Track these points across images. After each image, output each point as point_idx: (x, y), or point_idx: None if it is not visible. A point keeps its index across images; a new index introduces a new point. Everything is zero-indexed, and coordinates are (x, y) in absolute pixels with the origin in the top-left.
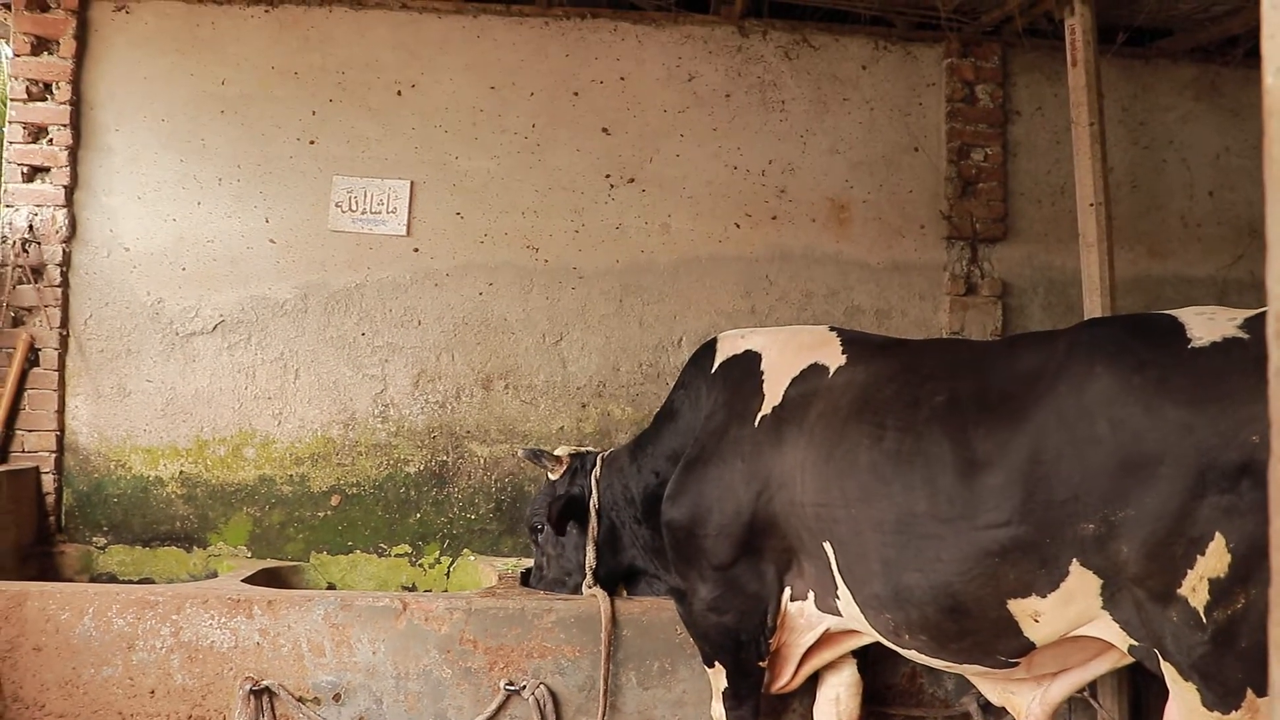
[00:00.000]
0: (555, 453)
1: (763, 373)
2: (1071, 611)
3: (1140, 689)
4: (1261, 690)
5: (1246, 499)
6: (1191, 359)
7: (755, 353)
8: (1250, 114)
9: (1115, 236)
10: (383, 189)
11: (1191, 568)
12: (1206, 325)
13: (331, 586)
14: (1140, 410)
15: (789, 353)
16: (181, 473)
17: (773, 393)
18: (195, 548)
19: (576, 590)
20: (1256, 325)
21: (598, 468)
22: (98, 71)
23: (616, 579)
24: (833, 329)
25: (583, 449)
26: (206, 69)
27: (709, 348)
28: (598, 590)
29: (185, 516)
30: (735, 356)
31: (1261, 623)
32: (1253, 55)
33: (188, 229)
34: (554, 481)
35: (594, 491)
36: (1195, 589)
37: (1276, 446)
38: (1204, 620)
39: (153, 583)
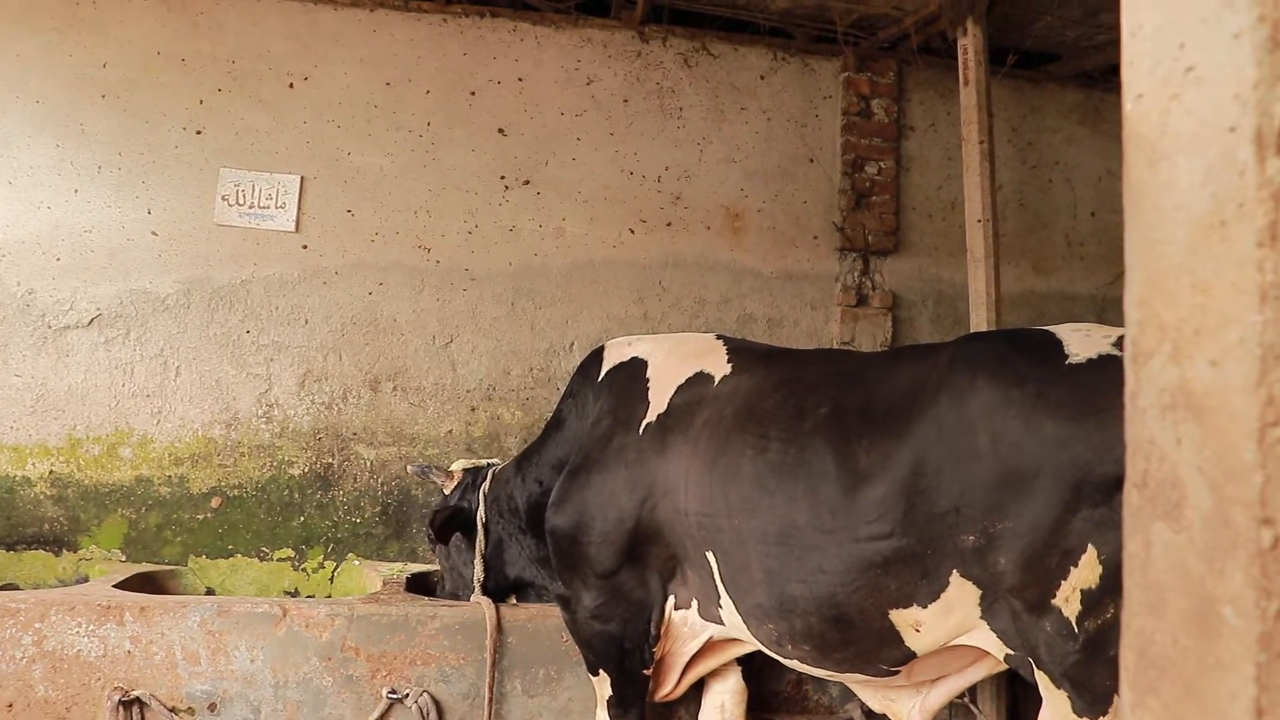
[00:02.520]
0: (450, 468)
1: (648, 380)
2: (951, 621)
3: (1018, 694)
4: None
5: (1119, 512)
6: (1069, 375)
7: (641, 360)
8: None
9: (1002, 253)
10: (271, 183)
11: (1065, 579)
12: (1083, 342)
13: (211, 591)
14: (1019, 424)
15: (675, 360)
16: (51, 472)
17: (658, 400)
18: (65, 551)
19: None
20: None
21: (487, 481)
22: None
23: (506, 591)
24: (719, 337)
25: (479, 463)
26: (86, 50)
27: (596, 356)
28: (483, 598)
29: (55, 518)
30: (621, 364)
31: None
32: None
33: (63, 218)
34: (446, 496)
35: (480, 505)
36: (1068, 600)
37: (1132, 472)
38: (1075, 630)
39: (17, 588)
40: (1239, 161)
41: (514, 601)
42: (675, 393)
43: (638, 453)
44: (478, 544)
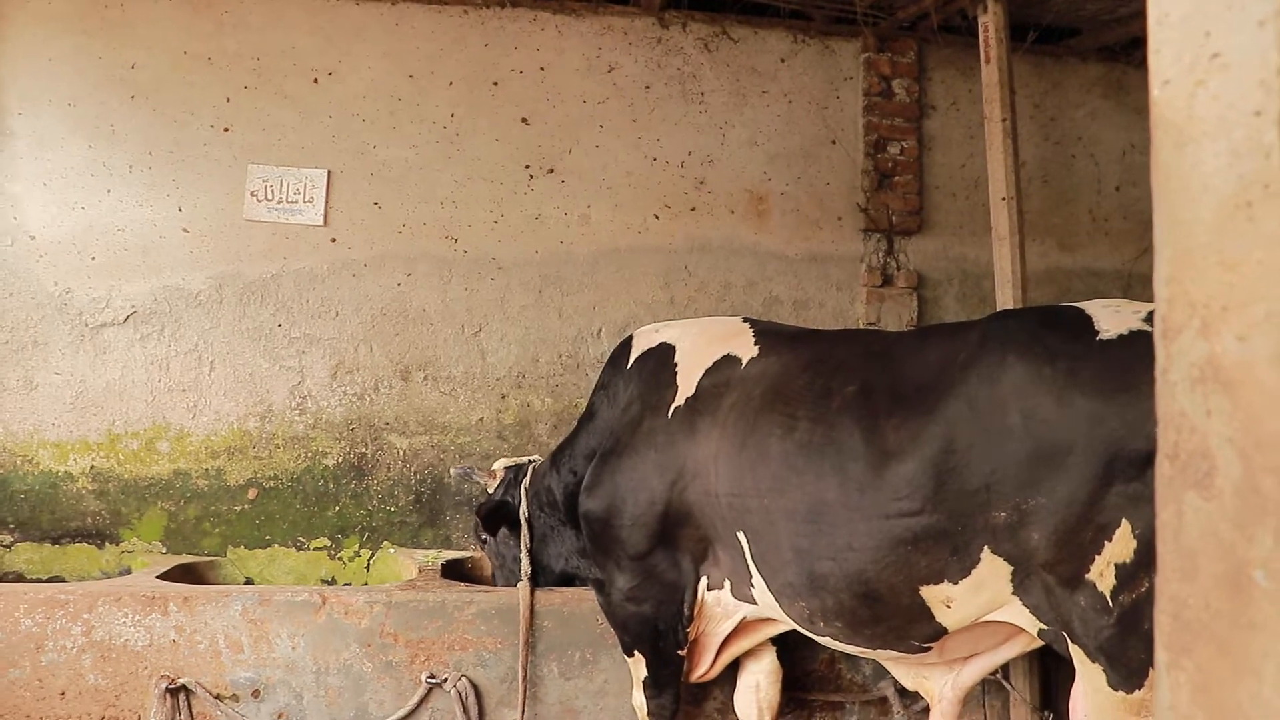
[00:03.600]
0: (493, 467)
1: (676, 364)
2: (983, 597)
3: (1050, 670)
4: None
5: (1152, 486)
6: (1100, 351)
7: (669, 345)
8: None
9: (1027, 230)
10: (299, 178)
11: (1099, 554)
12: (1113, 318)
13: (249, 581)
14: (1051, 401)
15: (702, 344)
16: (92, 467)
17: (686, 384)
18: (107, 544)
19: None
20: None
21: (528, 476)
22: None
23: (554, 584)
24: (746, 320)
25: (520, 461)
26: (115, 52)
27: (625, 345)
28: (522, 583)
29: (97, 512)
30: (650, 350)
31: None
32: None
33: (97, 217)
34: (490, 494)
35: (522, 499)
36: (1102, 574)
37: (1164, 444)
38: (1110, 604)
39: (63, 581)
40: (1264, 144)
41: None
42: (703, 376)
43: (667, 435)
44: (522, 538)
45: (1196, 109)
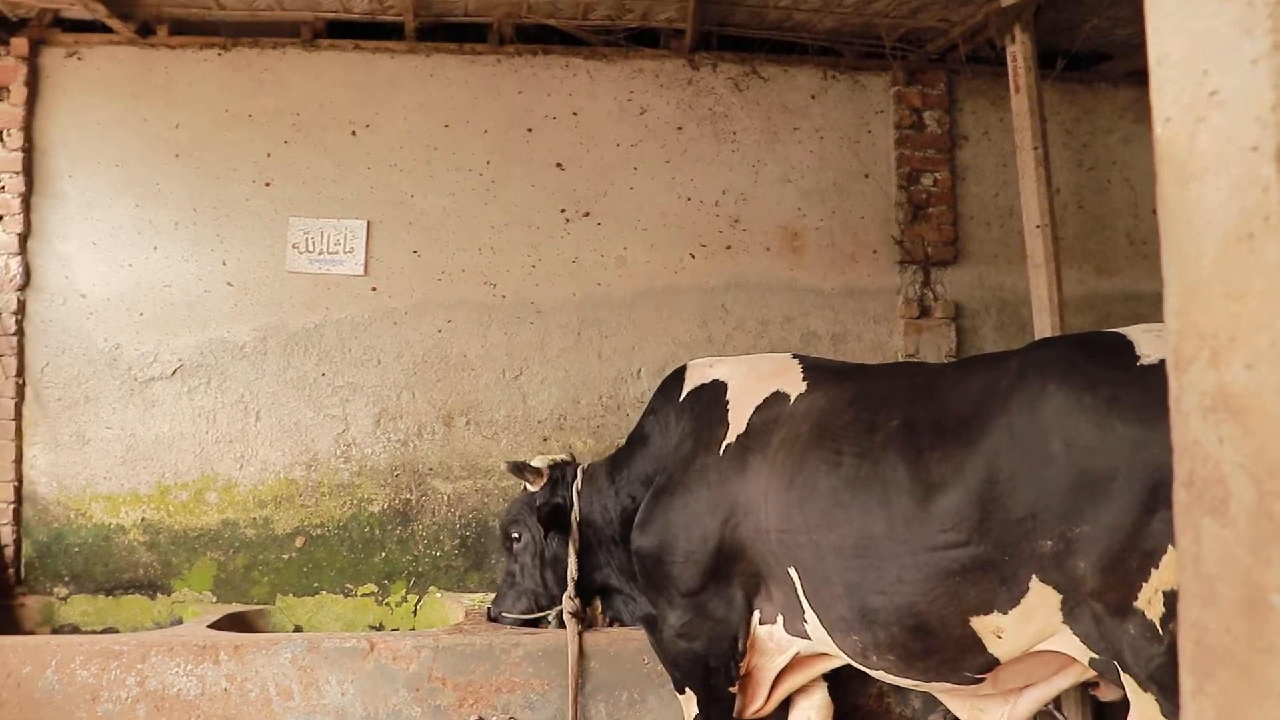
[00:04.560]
0: (534, 463)
1: (728, 401)
2: (1033, 627)
3: (1102, 702)
4: None
5: None
6: (1141, 376)
7: (721, 382)
8: None
9: (1063, 256)
10: (339, 229)
11: (1146, 581)
12: (1154, 343)
13: (298, 629)
14: (1093, 428)
15: (752, 381)
16: (143, 519)
17: (737, 421)
18: (159, 595)
19: (554, 602)
20: None
21: (578, 480)
22: (50, 118)
23: (592, 594)
24: (795, 356)
25: (559, 458)
26: (159, 113)
27: (678, 376)
28: (569, 616)
29: (148, 564)
30: (703, 385)
31: None
32: None
33: (144, 274)
34: (533, 493)
35: (575, 503)
36: (1150, 602)
37: (1179, 472)
38: (1160, 632)
39: (117, 632)
40: (1262, 178)
41: (598, 605)
42: (754, 413)
43: (719, 473)
44: (571, 540)
45: (1197, 146)
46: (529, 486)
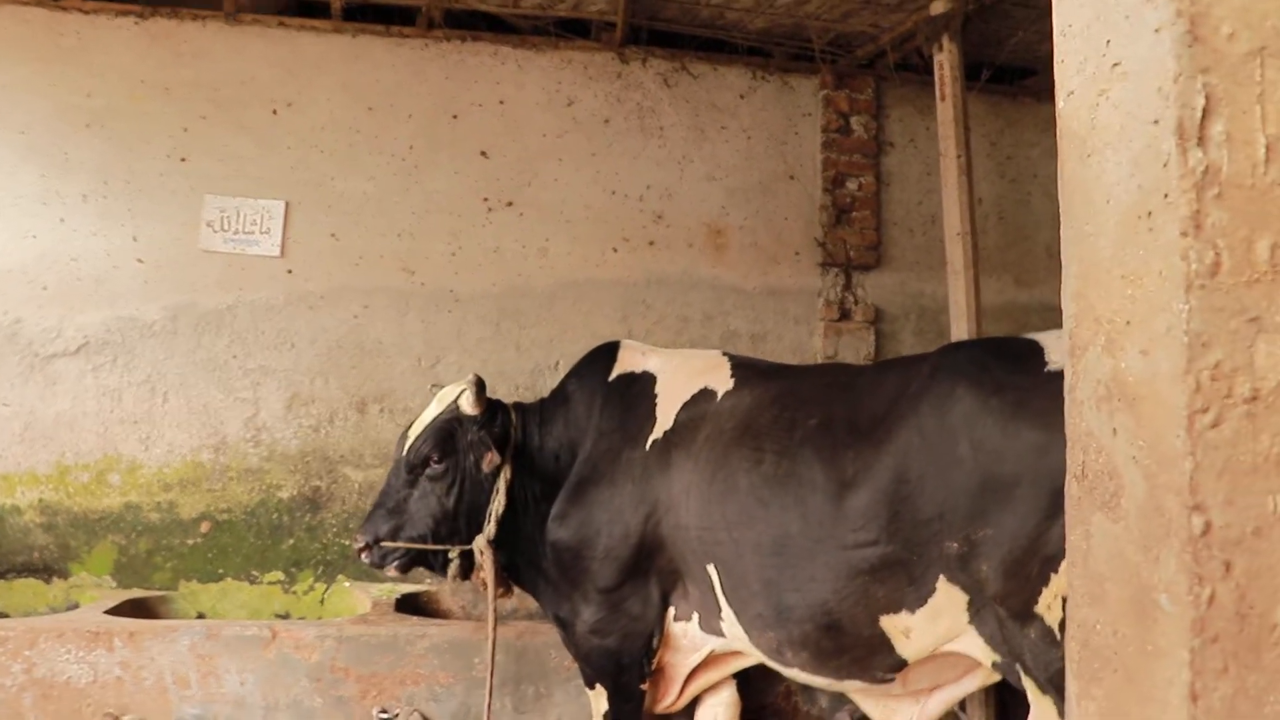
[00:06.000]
0: (440, 393)
1: (656, 395)
2: (940, 627)
3: (1007, 702)
4: None
5: None
6: (1048, 382)
7: (651, 374)
8: None
9: (983, 265)
10: (256, 209)
11: (1046, 586)
12: (1065, 348)
13: (202, 616)
14: (998, 432)
15: (681, 377)
16: (41, 500)
17: (664, 417)
18: (55, 579)
19: (466, 540)
20: None
21: (513, 414)
22: None
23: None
24: (725, 354)
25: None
26: (70, 80)
27: (610, 352)
28: (483, 550)
29: (44, 546)
30: (633, 374)
31: None
32: None
33: (49, 246)
34: (470, 416)
35: (513, 438)
36: (1050, 607)
37: (1072, 464)
38: (1059, 637)
39: (6, 617)
40: (1162, 153)
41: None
42: (680, 409)
43: (643, 469)
44: (503, 476)
45: (1099, 119)
46: (465, 409)
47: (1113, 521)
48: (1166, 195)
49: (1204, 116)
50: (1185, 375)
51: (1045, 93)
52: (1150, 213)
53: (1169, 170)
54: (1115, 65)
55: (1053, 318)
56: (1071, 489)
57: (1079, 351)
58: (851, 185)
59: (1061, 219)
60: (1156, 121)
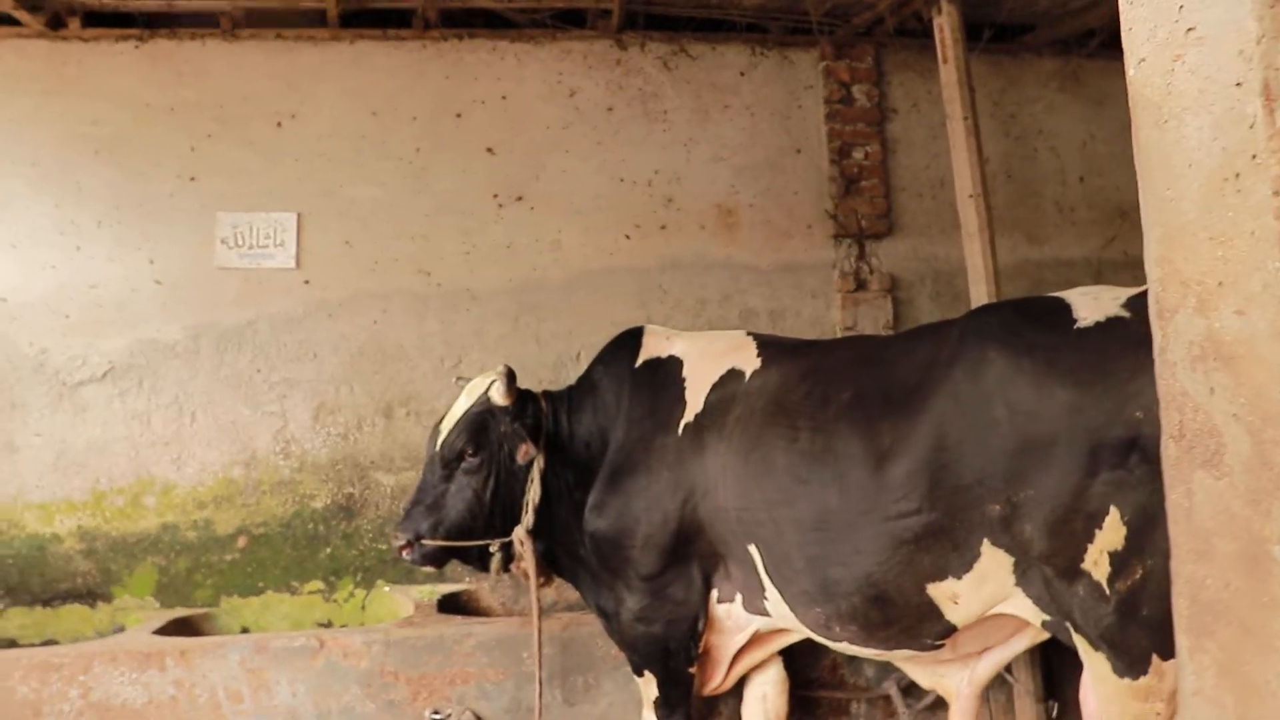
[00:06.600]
0: (470, 384)
1: (684, 379)
2: (986, 591)
3: (1053, 660)
4: (1166, 655)
5: (1136, 473)
6: (1078, 339)
7: (678, 359)
8: (1111, 102)
9: (995, 225)
10: (269, 222)
11: (1091, 542)
12: (1091, 305)
13: (245, 630)
14: (1032, 392)
15: (708, 359)
16: (79, 527)
17: (694, 400)
18: (99, 603)
19: (504, 532)
20: (1138, 303)
21: (543, 403)
22: None
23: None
24: (750, 334)
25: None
26: (75, 109)
27: (635, 338)
28: (523, 541)
29: (86, 572)
30: (659, 360)
31: (1159, 591)
32: (1109, 46)
33: (68, 276)
34: (502, 407)
35: (545, 427)
36: (1097, 563)
37: (1167, 425)
38: (1107, 592)
39: (56, 644)
40: (1248, 115)
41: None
42: (710, 391)
43: (677, 454)
44: (537, 465)
45: (1175, 84)
46: (496, 400)
47: (1216, 479)
48: (1255, 156)
49: None
50: None
51: (1045, 47)
52: (1238, 174)
53: (1256, 131)
54: (1190, 30)
55: (1066, 273)
56: (1169, 449)
57: (1168, 314)
58: (858, 154)
59: (1140, 184)
60: (1239, 84)
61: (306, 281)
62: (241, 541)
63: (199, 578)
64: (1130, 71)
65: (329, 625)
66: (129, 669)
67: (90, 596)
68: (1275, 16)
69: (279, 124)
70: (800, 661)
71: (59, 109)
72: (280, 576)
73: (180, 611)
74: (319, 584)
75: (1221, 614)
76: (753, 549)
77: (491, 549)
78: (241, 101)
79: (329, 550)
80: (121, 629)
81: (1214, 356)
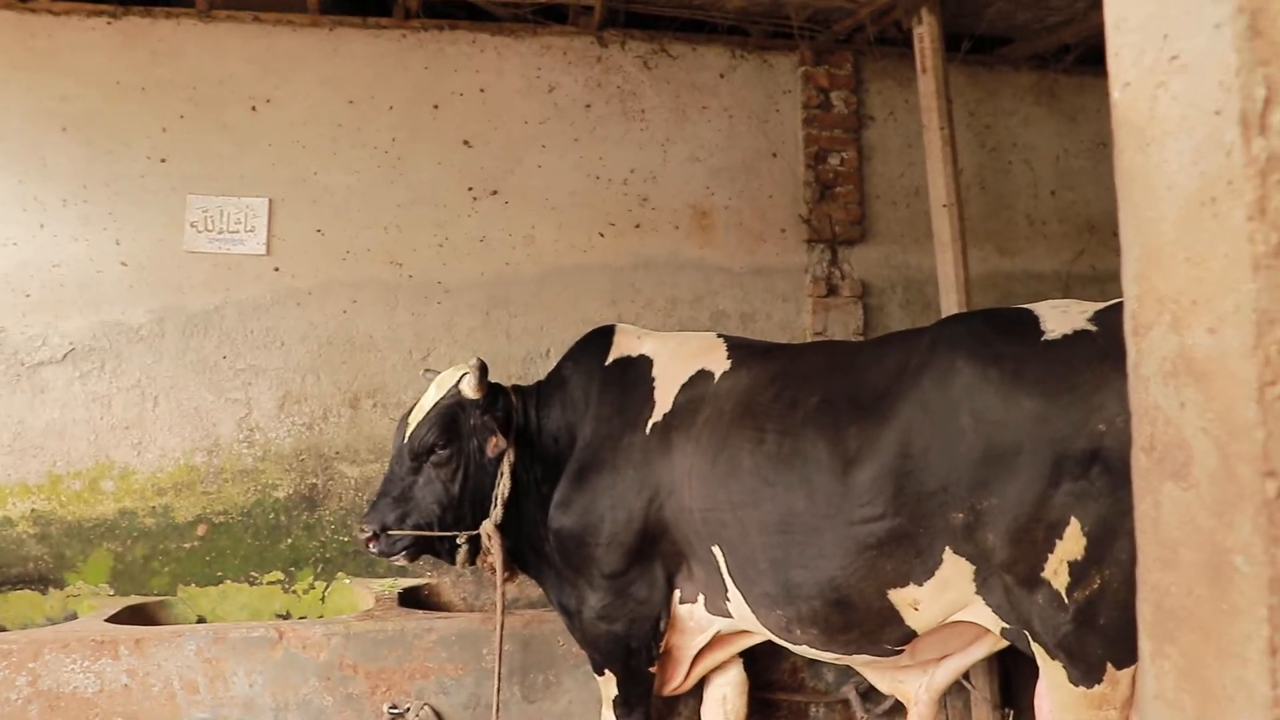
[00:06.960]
0: (439, 378)
1: (654, 379)
2: (947, 598)
3: (1010, 668)
4: (1120, 664)
5: (1097, 484)
6: (1045, 351)
7: (648, 358)
8: (1085, 117)
9: (967, 235)
10: (240, 207)
11: (1052, 552)
12: (1059, 318)
13: (202, 620)
14: (999, 402)
15: (679, 360)
16: (33, 511)
17: (663, 400)
18: (51, 589)
19: (472, 526)
20: (1105, 317)
21: (514, 397)
22: None
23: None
24: (720, 335)
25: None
26: (44, 84)
27: (605, 336)
28: (490, 534)
29: (39, 557)
30: (629, 358)
31: (1116, 601)
32: (1084, 62)
33: (31, 253)
34: (472, 400)
35: (515, 421)
36: (1057, 572)
37: (1139, 437)
38: (1066, 601)
39: (5, 630)
40: (1226, 142)
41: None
42: (679, 392)
43: (644, 453)
44: (507, 460)
45: (1158, 110)
46: (467, 393)
47: (1184, 490)
48: (1231, 182)
49: (1265, 107)
50: (1255, 350)
51: (1023, 61)
52: (1214, 199)
53: (1232, 159)
54: (1174, 58)
55: (1037, 285)
56: (1139, 461)
57: (1142, 330)
58: (834, 160)
59: (1120, 205)
60: (1218, 112)
61: (276, 269)
62: (201, 530)
63: (156, 565)
64: (1115, 94)
65: (288, 616)
66: (81, 657)
67: (42, 582)
68: (1254, 49)
69: (253, 108)
70: (761, 664)
71: (26, 83)
72: (239, 566)
73: (135, 599)
74: (279, 574)
75: (1184, 620)
76: (717, 550)
77: (459, 541)
78: (216, 84)
79: (290, 541)
80: (74, 616)
81: (1186, 372)
